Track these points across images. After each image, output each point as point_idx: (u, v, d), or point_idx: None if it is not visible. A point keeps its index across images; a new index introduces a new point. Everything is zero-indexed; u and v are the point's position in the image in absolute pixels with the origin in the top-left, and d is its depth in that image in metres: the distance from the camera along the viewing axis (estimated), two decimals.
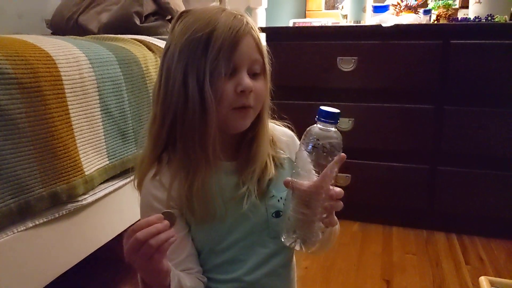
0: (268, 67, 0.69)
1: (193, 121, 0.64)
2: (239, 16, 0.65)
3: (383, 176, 1.77)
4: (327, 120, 0.59)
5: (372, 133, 1.75)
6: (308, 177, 0.60)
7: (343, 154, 0.60)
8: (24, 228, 0.87)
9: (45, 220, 0.92)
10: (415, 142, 1.71)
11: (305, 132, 0.62)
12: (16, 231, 0.85)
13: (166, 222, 0.55)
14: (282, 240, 0.63)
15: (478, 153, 1.63)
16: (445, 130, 1.65)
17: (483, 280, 1.00)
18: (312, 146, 0.59)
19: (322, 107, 0.59)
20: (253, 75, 0.66)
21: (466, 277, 1.41)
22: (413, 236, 1.72)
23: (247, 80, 0.64)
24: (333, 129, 0.60)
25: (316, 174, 0.60)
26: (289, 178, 0.61)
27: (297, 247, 0.63)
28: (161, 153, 0.71)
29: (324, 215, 0.61)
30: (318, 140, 0.59)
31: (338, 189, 0.61)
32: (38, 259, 0.92)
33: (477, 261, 1.51)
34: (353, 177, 1.79)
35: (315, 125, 0.60)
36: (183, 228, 0.70)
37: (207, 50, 0.61)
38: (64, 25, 1.77)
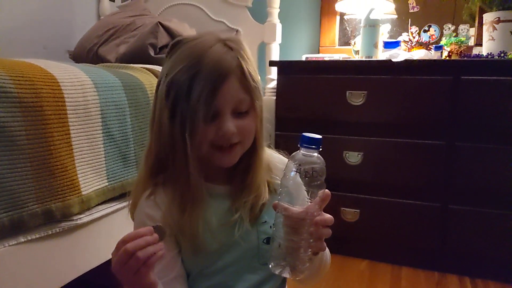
0: (258, 102, 0.68)
1: (179, 161, 0.66)
2: (226, 53, 0.64)
3: (392, 212, 1.71)
4: (309, 146, 0.60)
5: (382, 168, 1.72)
6: (295, 203, 0.60)
7: (327, 191, 0.60)
8: (16, 242, 0.89)
9: (37, 236, 0.94)
10: (425, 178, 1.66)
11: (288, 158, 0.63)
12: (7, 245, 0.87)
13: (155, 235, 0.55)
14: (270, 267, 0.63)
15: (491, 192, 1.56)
16: (457, 167, 1.61)
17: None
18: (295, 171, 0.60)
19: (305, 134, 0.61)
20: (239, 114, 0.66)
21: None
22: (423, 277, 1.64)
23: (227, 125, 0.64)
24: (315, 154, 0.61)
25: (307, 198, 0.61)
26: (278, 202, 0.61)
27: (286, 274, 0.62)
28: (156, 177, 0.72)
29: (311, 240, 0.60)
30: (301, 165, 0.60)
31: (325, 216, 0.60)
32: (28, 274, 0.93)
33: None
34: (361, 213, 1.74)
35: (298, 151, 0.61)
36: (173, 248, 0.70)
37: (190, 95, 0.62)
38: (85, 56, 1.87)
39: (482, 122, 1.56)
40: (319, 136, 0.60)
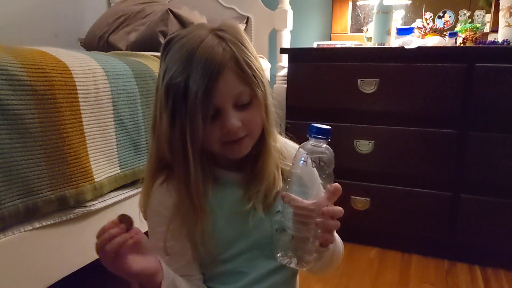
0: (260, 92, 0.65)
1: (179, 167, 0.65)
2: (217, 45, 0.61)
3: (403, 201, 1.71)
4: (317, 136, 0.60)
5: (393, 157, 1.71)
6: (302, 192, 0.60)
7: (337, 184, 0.59)
8: (31, 228, 0.91)
9: (52, 222, 0.95)
10: (437, 167, 1.64)
11: (297, 149, 0.62)
12: (23, 230, 0.89)
13: (122, 225, 0.55)
14: (277, 257, 0.63)
15: (503, 182, 1.54)
16: (469, 157, 1.59)
17: None
18: (303, 161, 0.60)
19: (314, 124, 0.60)
20: (242, 106, 0.64)
21: None
22: (433, 265, 1.63)
23: (231, 121, 0.62)
24: (324, 145, 0.60)
25: (310, 189, 0.61)
26: (286, 192, 0.61)
27: (292, 265, 0.62)
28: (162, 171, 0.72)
29: (318, 232, 0.60)
30: (309, 155, 0.60)
31: (334, 208, 0.59)
32: (42, 259, 0.95)
33: None
34: (372, 201, 1.74)
35: (307, 141, 0.61)
36: (182, 237, 0.70)
37: (187, 97, 0.60)
38: (95, 44, 1.87)
39: (495, 110, 1.54)
40: (328, 127, 0.60)
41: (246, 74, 0.63)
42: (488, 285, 1.48)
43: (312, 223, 0.59)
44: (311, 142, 0.60)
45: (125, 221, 0.55)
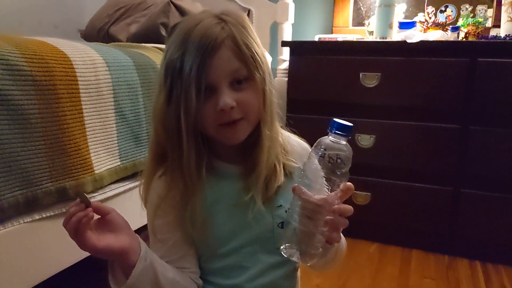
0: (258, 75, 0.64)
1: (173, 148, 0.65)
2: (216, 25, 0.61)
3: (404, 196, 1.70)
4: (338, 132, 0.58)
5: (394, 152, 1.70)
6: (314, 188, 0.59)
7: (349, 184, 0.59)
8: (31, 219, 0.90)
9: (51, 214, 0.95)
10: (438, 162, 1.64)
11: (315, 143, 0.61)
12: (22, 222, 0.89)
13: (82, 205, 0.57)
14: (281, 249, 0.62)
15: (505, 176, 1.54)
16: (470, 151, 1.58)
17: None
18: (320, 156, 0.58)
19: (335, 119, 0.59)
20: (238, 83, 0.63)
21: None
22: (433, 260, 1.63)
23: (224, 98, 0.61)
24: (343, 142, 0.59)
25: (325, 184, 0.59)
26: (297, 185, 0.60)
27: (295, 259, 0.62)
28: (162, 163, 0.71)
29: (325, 229, 0.59)
30: (326, 150, 0.58)
31: (344, 206, 0.58)
32: (42, 251, 0.94)
33: None
34: (372, 196, 1.73)
35: (326, 136, 0.60)
36: (177, 229, 0.69)
37: (181, 74, 0.61)
38: (95, 35, 1.86)
39: (497, 105, 1.53)
40: (350, 124, 0.58)
41: (243, 53, 0.62)
42: (489, 280, 1.49)
43: (319, 219, 0.58)
44: (330, 138, 0.59)
45: (83, 200, 0.57)
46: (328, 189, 0.59)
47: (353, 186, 0.59)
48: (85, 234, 0.56)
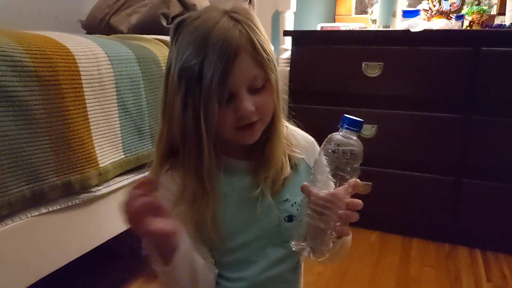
0: (273, 76, 0.65)
1: (189, 153, 0.64)
2: (233, 27, 0.60)
3: (405, 186, 1.72)
4: (350, 128, 0.59)
5: (396, 141, 1.71)
6: (325, 184, 0.60)
7: (358, 181, 0.59)
8: (38, 213, 0.92)
9: (58, 207, 0.96)
10: (440, 152, 1.65)
11: (326, 139, 0.61)
12: (29, 215, 0.90)
13: (149, 187, 0.54)
14: (291, 245, 0.63)
15: (506, 166, 1.55)
16: (472, 141, 1.59)
17: None
18: (332, 151, 0.59)
19: (346, 115, 0.59)
20: (255, 90, 0.63)
21: None
22: (433, 249, 1.65)
23: (245, 105, 0.61)
24: (354, 137, 0.59)
25: (333, 180, 0.60)
26: (306, 184, 0.60)
27: (305, 254, 0.62)
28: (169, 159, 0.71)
29: (338, 224, 0.60)
30: (339, 146, 0.59)
31: (356, 201, 0.59)
32: (49, 244, 0.96)
33: (500, 278, 1.44)
34: (374, 185, 1.74)
35: (337, 132, 0.60)
36: (186, 220, 0.68)
37: (201, 80, 0.59)
38: (96, 26, 1.85)
39: (500, 95, 1.53)
40: (361, 119, 0.59)
41: (262, 57, 0.62)
42: (488, 268, 1.51)
43: (329, 214, 0.59)
44: (341, 133, 0.59)
45: (152, 183, 0.55)
46: (337, 184, 0.59)
47: (361, 184, 0.59)
48: (145, 218, 0.54)
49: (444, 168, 1.65)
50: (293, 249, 0.63)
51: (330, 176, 0.59)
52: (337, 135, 0.60)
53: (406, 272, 1.48)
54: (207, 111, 0.60)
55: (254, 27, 0.63)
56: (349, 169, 0.59)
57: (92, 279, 1.39)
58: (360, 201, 0.59)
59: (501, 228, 1.59)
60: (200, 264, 0.67)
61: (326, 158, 0.59)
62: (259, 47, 0.62)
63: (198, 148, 0.63)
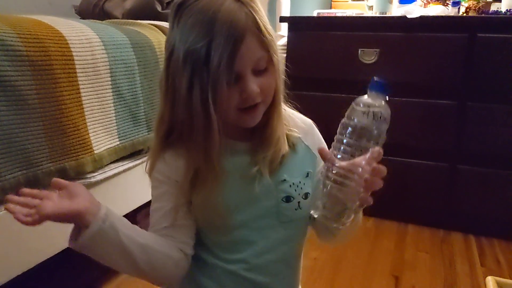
0: (276, 57, 0.65)
1: (197, 133, 0.64)
2: (239, 9, 0.60)
3: (400, 172, 1.72)
4: (378, 90, 0.58)
5: (391, 128, 1.68)
6: (356, 146, 0.58)
7: (378, 149, 0.57)
8: None
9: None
10: (435, 138, 1.65)
11: (353, 101, 0.59)
12: None
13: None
14: (312, 213, 0.62)
15: (501, 153, 1.55)
16: (468, 127, 1.59)
17: (490, 280, 0.96)
18: (362, 112, 0.57)
19: (375, 77, 0.58)
20: (259, 72, 0.64)
21: (479, 278, 1.36)
22: (428, 234, 1.67)
23: (251, 86, 0.62)
24: (382, 101, 0.58)
25: (357, 144, 0.58)
26: (327, 150, 0.60)
27: (326, 222, 0.62)
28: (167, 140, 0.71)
29: (361, 190, 0.58)
30: (369, 107, 0.57)
31: (382, 167, 0.58)
32: (45, 230, 0.96)
33: (494, 263, 1.46)
34: None
35: (365, 95, 0.59)
36: (173, 199, 0.69)
37: (208, 63, 0.60)
38: (90, 11, 1.82)
39: (495, 81, 1.53)
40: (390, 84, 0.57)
41: (266, 39, 0.63)
42: (482, 253, 1.52)
43: (348, 184, 0.57)
44: (370, 96, 0.58)
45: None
46: (361, 150, 0.57)
47: (381, 151, 0.57)
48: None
49: (439, 155, 1.66)
50: (314, 216, 0.62)
51: (362, 137, 0.57)
52: (365, 98, 0.58)
53: (401, 257, 1.49)
54: (215, 92, 0.61)
55: (257, 8, 0.63)
56: (375, 134, 0.57)
57: (80, 270, 1.37)
58: (384, 167, 0.58)
59: (495, 213, 1.61)
60: (141, 243, 0.65)
61: (353, 120, 0.57)
62: (264, 28, 0.62)
63: (207, 128, 0.63)
